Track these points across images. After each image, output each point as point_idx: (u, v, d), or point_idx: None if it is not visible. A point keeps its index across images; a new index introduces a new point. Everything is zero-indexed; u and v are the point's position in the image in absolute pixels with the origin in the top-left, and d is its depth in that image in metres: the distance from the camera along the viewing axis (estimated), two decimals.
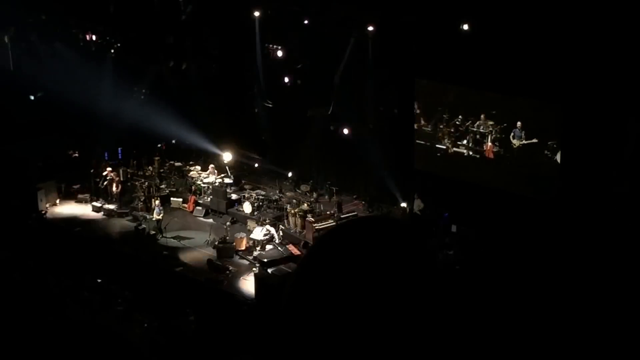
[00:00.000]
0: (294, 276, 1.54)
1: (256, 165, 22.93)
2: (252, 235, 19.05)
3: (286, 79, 21.02)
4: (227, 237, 19.10)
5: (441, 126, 19.05)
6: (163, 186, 22.56)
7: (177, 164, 24.12)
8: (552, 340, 13.45)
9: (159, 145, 24.81)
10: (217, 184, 21.88)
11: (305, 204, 20.12)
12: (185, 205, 21.61)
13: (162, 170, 23.68)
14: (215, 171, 22.46)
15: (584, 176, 16.23)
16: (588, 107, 15.81)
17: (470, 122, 18.40)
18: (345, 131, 20.31)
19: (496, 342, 13.04)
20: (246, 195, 21.16)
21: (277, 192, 21.50)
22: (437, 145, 19.25)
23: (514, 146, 17.74)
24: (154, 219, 20.25)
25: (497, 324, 13.54)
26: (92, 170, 22.83)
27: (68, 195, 22.40)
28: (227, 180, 22.08)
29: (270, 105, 19.52)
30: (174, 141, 24.89)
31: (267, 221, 19.49)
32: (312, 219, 19.04)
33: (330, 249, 1.45)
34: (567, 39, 15.41)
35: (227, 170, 22.56)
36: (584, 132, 16.06)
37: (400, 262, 1.39)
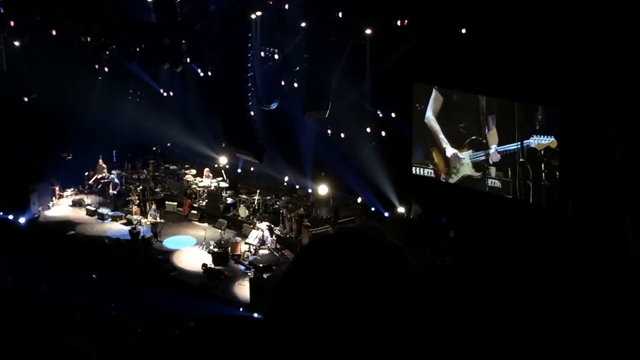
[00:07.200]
0: (279, 281, 1.54)
1: (252, 169, 22.73)
2: (247, 240, 18.90)
3: (282, 82, 20.84)
4: (223, 242, 18.92)
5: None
6: (158, 190, 22.39)
7: (172, 167, 23.99)
8: (551, 347, 13.29)
9: (154, 149, 24.67)
10: (212, 187, 21.72)
11: (302, 208, 19.96)
12: (181, 209, 21.46)
13: (157, 174, 23.56)
14: (211, 174, 22.33)
15: (583, 182, 16.07)
16: (587, 111, 15.64)
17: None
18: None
19: (493, 349, 12.88)
20: (242, 199, 21.01)
21: (274, 196, 21.32)
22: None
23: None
24: (148, 222, 20.10)
25: (495, 330, 13.38)
26: (87, 173, 22.66)
27: (61, 198, 22.25)
28: (222, 184, 21.93)
29: (267, 108, 19.34)
30: (169, 144, 24.73)
31: (262, 223, 19.38)
32: (309, 224, 18.87)
33: (312, 260, 1.51)
34: (569, 42, 15.24)
35: (223, 173, 22.40)
36: (583, 137, 15.88)
37: (378, 279, 1.46)
